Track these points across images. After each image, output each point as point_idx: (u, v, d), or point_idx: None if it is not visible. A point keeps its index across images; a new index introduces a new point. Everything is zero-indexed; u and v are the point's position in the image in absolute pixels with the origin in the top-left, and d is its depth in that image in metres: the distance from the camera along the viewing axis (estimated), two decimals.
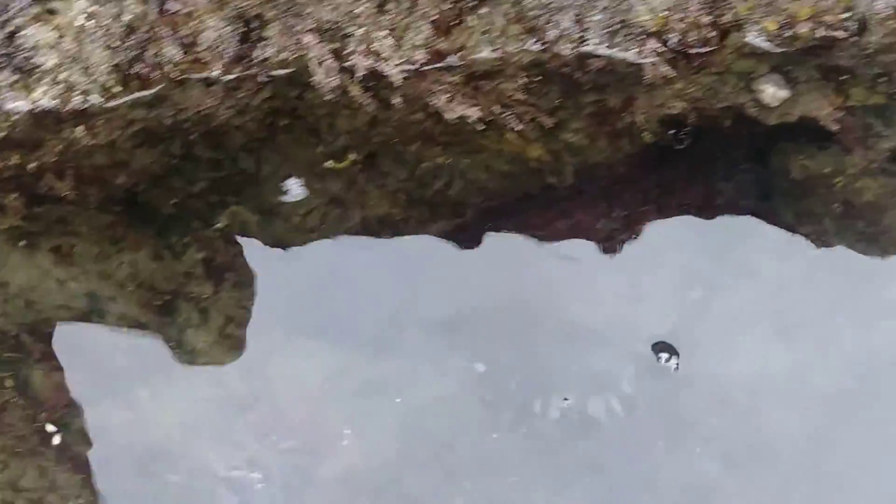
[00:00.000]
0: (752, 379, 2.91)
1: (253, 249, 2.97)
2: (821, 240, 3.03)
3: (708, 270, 3.02)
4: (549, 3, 2.75)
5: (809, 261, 3.02)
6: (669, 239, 2.97)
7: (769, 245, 2.99)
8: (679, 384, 2.89)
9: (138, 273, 2.87)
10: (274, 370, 3.02)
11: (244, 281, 2.98)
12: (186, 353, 2.87)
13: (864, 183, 2.98)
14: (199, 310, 2.94)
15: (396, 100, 2.73)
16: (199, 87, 2.67)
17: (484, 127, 2.79)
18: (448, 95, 2.69)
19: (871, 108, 2.91)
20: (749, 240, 2.98)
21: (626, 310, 2.94)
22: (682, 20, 2.74)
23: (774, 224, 2.98)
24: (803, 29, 2.79)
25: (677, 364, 2.89)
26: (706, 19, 2.73)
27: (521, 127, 2.79)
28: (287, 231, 3.00)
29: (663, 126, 2.91)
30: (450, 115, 2.73)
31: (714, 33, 2.78)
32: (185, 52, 2.52)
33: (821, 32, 2.83)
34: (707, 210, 2.92)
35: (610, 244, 2.98)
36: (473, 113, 2.72)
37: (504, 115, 2.77)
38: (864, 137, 2.95)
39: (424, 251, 3.04)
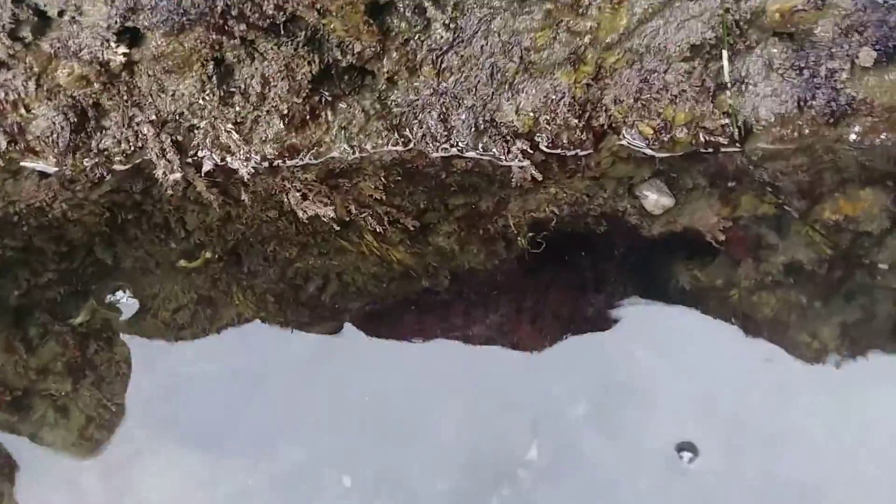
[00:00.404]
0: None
1: (118, 346, 2.75)
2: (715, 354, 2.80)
3: (589, 386, 2.78)
4: (414, 101, 2.60)
5: (705, 380, 2.78)
6: (545, 350, 2.74)
7: (653, 360, 2.76)
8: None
9: None
10: (138, 476, 2.75)
11: (107, 379, 2.74)
12: (42, 452, 2.61)
13: (760, 297, 2.78)
14: (57, 408, 2.69)
15: (245, 197, 2.55)
16: (32, 179, 2.49)
17: (340, 228, 2.59)
18: (301, 193, 2.51)
19: (762, 218, 2.74)
20: (632, 356, 2.75)
21: (498, 423, 2.68)
22: (551, 122, 2.60)
23: (658, 336, 2.76)
24: (681, 134, 2.65)
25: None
26: (576, 122, 2.58)
27: (381, 229, 2.60)
28: (155, 329, 2.78)
29: (536, 231, 2.73)
30: (303, 215, 2.55)
31: (587, 136, 2.63)
32: (13, 142, 2.33)
33: (702, 138, 2.68)
34: (580, 321, 2.71)
35: (483, 353, 2.76)
36: (328, 212, 2.54)
37: (363, 215, 2.58)
38: (756, 249, 2.77)
39: (298, 357, 2.81)
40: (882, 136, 2.72)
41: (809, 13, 2.57)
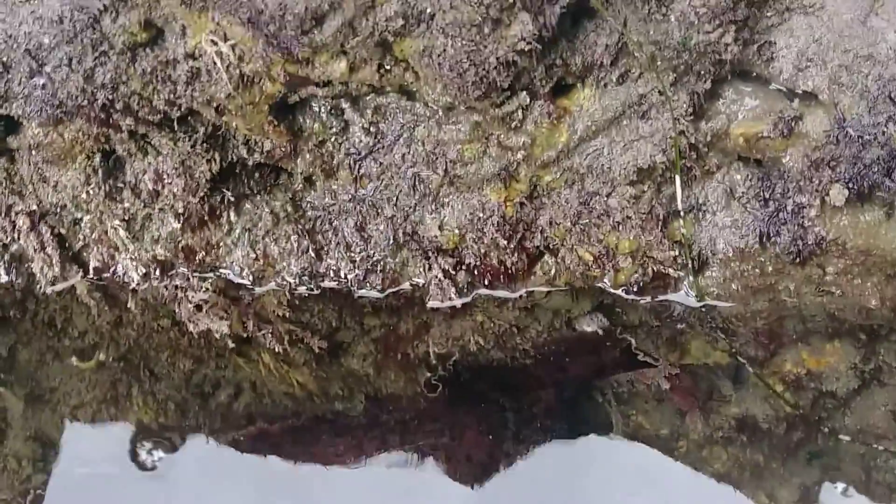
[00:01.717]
0: None
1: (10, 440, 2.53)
2: None
3: None
4: (331, 205, 2.35)
5: None
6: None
7: None
8: None
9: None
10: None
11: None
12: None
13: (710, 452, 2.46)
14: None
15: (132, 304, 2.31)
16: None
17: (234, 345, 2.33)
18: (194, 305, 2.26)
19: (714, 367, 2.44)
20: None
21: None
22: (478, 240, 2.33)
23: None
24: (625, 263, 2.36)
25: None
26: (504, 243, 2.31)
27: (280, 349, 2.34)
28: (54, 422, 2.54)
29: (461, 360, 2.45)
30: (194, 328, 2.29)
31: (519, 258, 2.35)
32: None
33: (650, 269, 2.39)
34: (491, 466, 2.42)
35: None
36: (222, 328, 2.28)
37: (262, 332, 2.32)
38: (706, 400, 2.46)
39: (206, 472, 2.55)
40: (856, 282, 2.42)
41: (776, 141, 2.28)
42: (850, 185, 2.25)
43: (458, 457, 2.45)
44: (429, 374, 2.47)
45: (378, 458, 2.53)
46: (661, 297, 2.46)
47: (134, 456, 2.61)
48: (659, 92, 2.22)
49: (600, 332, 2.44)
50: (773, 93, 2.29)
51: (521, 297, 2.42)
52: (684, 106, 2.23)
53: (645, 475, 2.50)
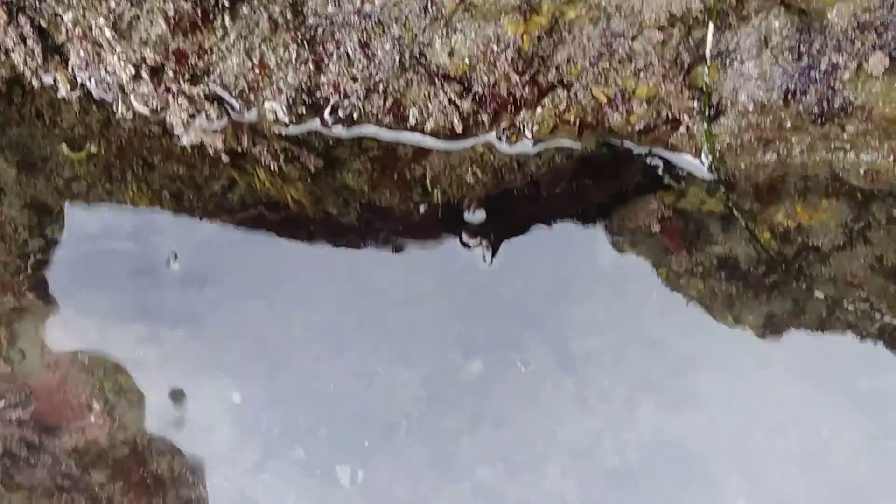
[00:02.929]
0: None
1: (9, 205, 2.55)
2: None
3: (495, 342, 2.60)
4: (334, 15, 2.17)
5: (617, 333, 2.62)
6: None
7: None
8: None
9: None
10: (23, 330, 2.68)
11: None
12: None
13: (687, 281, 2.53)
14: None
15: (121, 109, 2.20)
16: None
17: (230, 158, 2.27)
18: (186, 114, 2.15)
19: (707, 213, 2.42)
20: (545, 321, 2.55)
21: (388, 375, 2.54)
22: (488, 72, 2.18)
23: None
24: (639, 108, 2.24)
25: None
26: (517, 78, 2.17)
27: (276, 166, 2.27)
28: (48, 191, 2.56)
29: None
30: (187, 141, 2.21)
31: (531, 91, 2.22)
32: None
33: (663, 114, 2.28)
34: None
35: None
36: (216, 143, 2.20)
37: (257, 148, 2.25)
38: (693, 241, 2.47)
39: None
40: (873, 143, 2.32)
41: None
42: (894, 55, 2.09)
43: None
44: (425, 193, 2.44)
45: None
46: (666, 154, 2.39)
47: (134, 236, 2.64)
48: None
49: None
50: None
51: (523, 129, 2.32)
52: None
53: (620, 292, 2.59)
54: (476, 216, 2.41)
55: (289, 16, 2.16)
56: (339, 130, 2.26)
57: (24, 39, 2.09)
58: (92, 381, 2.62)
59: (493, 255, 2.46)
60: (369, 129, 2.27)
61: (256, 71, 2.20)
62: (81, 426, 2.65)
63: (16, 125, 2.43)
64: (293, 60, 2.20)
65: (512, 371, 2.48)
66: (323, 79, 2.23)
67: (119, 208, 2.56)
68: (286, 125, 2.23)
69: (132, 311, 2.61)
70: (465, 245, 2.45)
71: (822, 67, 2.17)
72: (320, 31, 2.18)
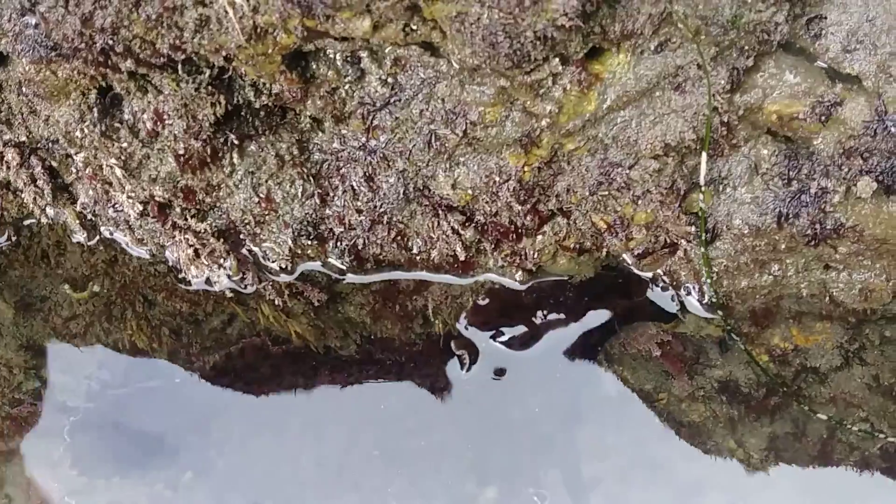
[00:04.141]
0: None
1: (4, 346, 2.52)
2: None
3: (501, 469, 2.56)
4: (339, 151, 2.23)
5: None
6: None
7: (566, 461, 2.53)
8: None
9: None
10: None
11: None
12: None
13: (689, 405, 2.53)
14: None
15: (131, 247, 2.21)
16: None
17: (234, 294, 2.28)
18: (191, 249, 2.17)
19: (705, 338, 2.45)
20: (546, 454, 2.52)
21: None
22: (491, 202, 2.24)
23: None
24: (638, 234, 2.30)
25: None
26: (519, 207, 2.23)
27: (280, 301, 2.29)
28: (45, 332, 2.53)
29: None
30: (192, 277, 2.22)
31: (532, 219, 2.27)
32: None
33: (661, 240, 2.34)
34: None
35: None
36: (221, 279, 2.21)
37: (262, 284, 2.26)
38: (693, 365, 2.49)
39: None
40: (865, 263, 2.39)
41: (811, 124, 2.17)
42: (880, 178, 2.18)
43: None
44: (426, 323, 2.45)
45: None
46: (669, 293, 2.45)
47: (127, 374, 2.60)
48: (697, 66, 2.08)
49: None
50: (815, 70, 2.15)
51: (524, 256, 2.36)
52: (722, 82, 2.10)
53: (624, 417, 2.58)
54: (470, 332, 2.43)
55: (295, 152, 2.22)
56: (352, 277, 2.30)
57: (34, 180, 2.12)
58: None
59: (472, 365, 2.46)
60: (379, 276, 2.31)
61: (263, 205, 2.24)
62: None
63: (19, 266, 2.43)
64: (299, 195, 2.24)
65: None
66: (328, 211, 2.27)
67: (117, 347, 2.54)
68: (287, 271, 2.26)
69: (126, 454, 2.56)
70: (454, 352, 2.44)
71: (812, 191, 2.26)
72: (325, 166, 2.24)
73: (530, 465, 2.44)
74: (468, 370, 2.40)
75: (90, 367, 2.59)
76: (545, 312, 2.43)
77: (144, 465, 2.54)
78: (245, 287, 2.25)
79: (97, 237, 2.28)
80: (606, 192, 2.21)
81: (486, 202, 2.23)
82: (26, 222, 2.32)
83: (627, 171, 2.19)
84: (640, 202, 2.22)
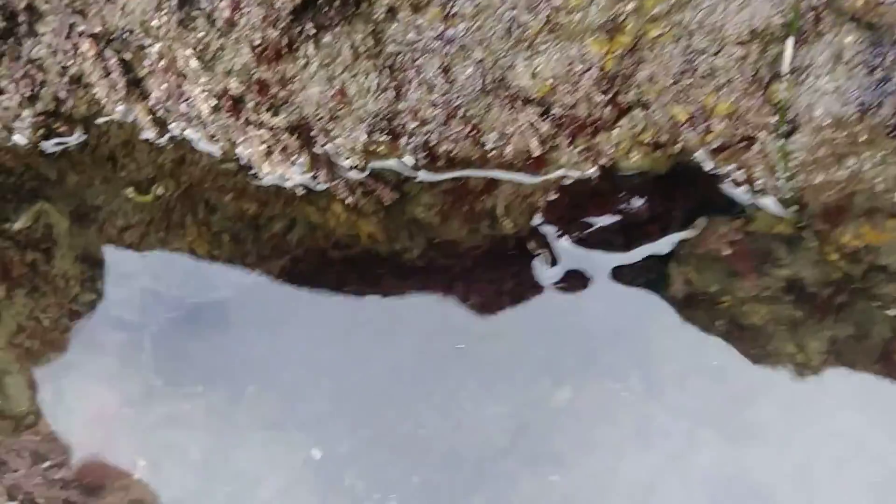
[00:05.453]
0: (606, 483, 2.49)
1: (57, 259, 2.48)
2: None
3: (572, 368, 2.56)
4: (415, 42, 2.17)
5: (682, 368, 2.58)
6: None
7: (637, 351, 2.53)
8: None
9: None
10: (69, 386, 2.58)
11: (41, 290, 2.47)
12: None
13: (751, 307, 2.51)
14: None
15: (202, 144, 2.17)
16: None
17: (305, 192, 2.24)
18: (266, 146, 2.13)
19: (775, 235, 2.42)
20: (619, 343, 2.51)
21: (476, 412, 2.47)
22: (570, 93, 2.19)
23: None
24: (719, 125, 2.26)
25: None
26: (600, 98, 2.18)
27: (351, 199, 2.25)
28: (100, 242, 2.49)
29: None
30: (265, 174, 2.18)
31: (611, 111, 2.23)
32: None
33: (740, 131, 2.30)
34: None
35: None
36: (294, 175, 2.17)
37: (334, 182, 2.22)
38: (761, 265, 2.46)
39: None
40: None
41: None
42: None
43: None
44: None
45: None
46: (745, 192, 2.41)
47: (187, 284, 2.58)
48: None
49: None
50: None
51: (600, 152, 2.33)
52: None
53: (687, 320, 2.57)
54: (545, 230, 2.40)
55: (370, 43, 2.17)
56: (423, 175, 2.26)
57: (108, 72, 2.07)
58: (136, 437, 2.53)
59: (554, 264, 2.43)
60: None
61: (337, 99, 2.19)
62: (125, 485, 2.55)
63: (80, 171, 2.39)
64: (373, 88, 2.19)
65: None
66: (402, 105, 2.22)
67: (174, 258, 2.51)
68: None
69: (183, 366, 2.54)
70: (531, 251, 2.42)
71: None
72: (400, 57, 2.19)
73: (600, 365, 2.44)
74: (552, 266, 2.38)
75: (146, 278, 2.56)
76: (619, 208, 2.40)
77: (203, 377, 2.53)
78: (318, 184, 2.21)
79: (167, 135, 2.23)
80: (689, 82, 2.17)
81: (566, 93, 2.19)
82: (97, 121, 2.27)
83: (712, 58, 2.14)
84: (722, 92, 2.18)
